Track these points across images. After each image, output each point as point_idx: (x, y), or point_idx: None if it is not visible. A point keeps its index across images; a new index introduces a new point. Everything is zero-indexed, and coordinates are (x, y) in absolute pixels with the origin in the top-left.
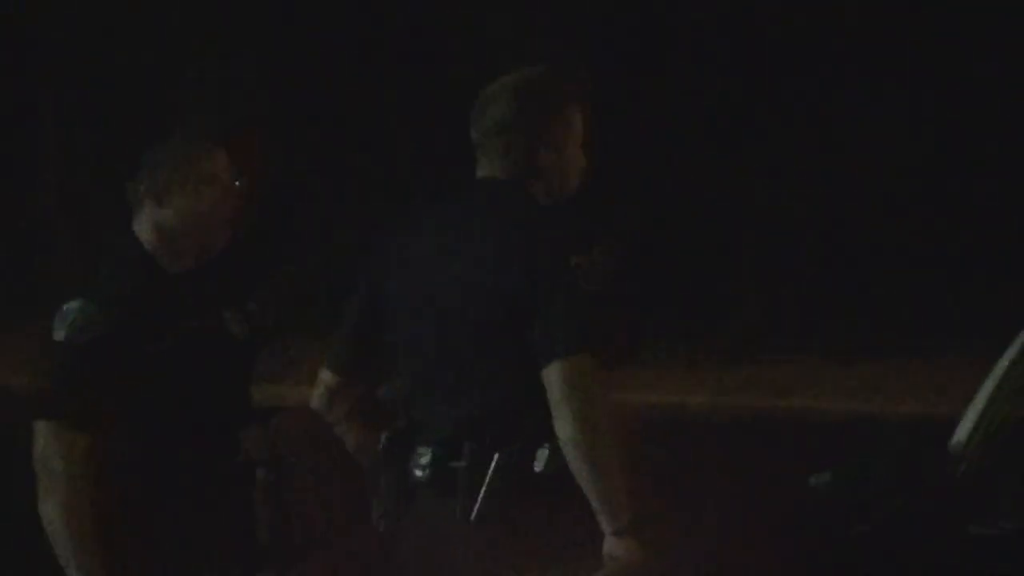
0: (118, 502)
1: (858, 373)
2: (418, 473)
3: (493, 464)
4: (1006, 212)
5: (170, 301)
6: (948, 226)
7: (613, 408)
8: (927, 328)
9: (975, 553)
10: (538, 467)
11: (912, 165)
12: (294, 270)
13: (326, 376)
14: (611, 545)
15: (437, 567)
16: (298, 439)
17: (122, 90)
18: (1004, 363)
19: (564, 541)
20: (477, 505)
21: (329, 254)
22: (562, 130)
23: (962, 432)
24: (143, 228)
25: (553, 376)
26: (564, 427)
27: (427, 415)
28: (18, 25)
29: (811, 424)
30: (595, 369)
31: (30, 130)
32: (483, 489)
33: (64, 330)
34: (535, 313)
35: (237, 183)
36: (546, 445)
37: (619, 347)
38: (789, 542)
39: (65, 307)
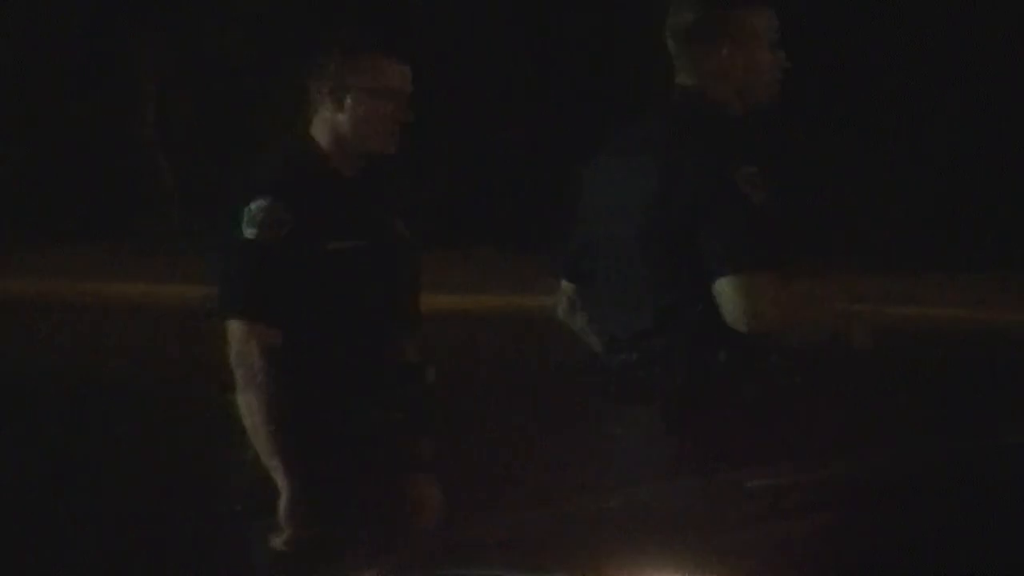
0: (297, 396)
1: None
2: (614, 380)
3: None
4: None
5: (347, 202)
6: None
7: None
8: None
9: None
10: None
11: None
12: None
13: (566, 286)
14: None
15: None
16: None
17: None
18: None
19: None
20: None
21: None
22: (747, 33)
23: None
24: (320, 130)
25: (723, 292)
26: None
27: (616, 322)
28: None
29: None
30: (774, 285)
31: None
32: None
33: (254, 228)
34: (703, 225)
35: (407, 93)
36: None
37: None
38: None
39: (252, 205)
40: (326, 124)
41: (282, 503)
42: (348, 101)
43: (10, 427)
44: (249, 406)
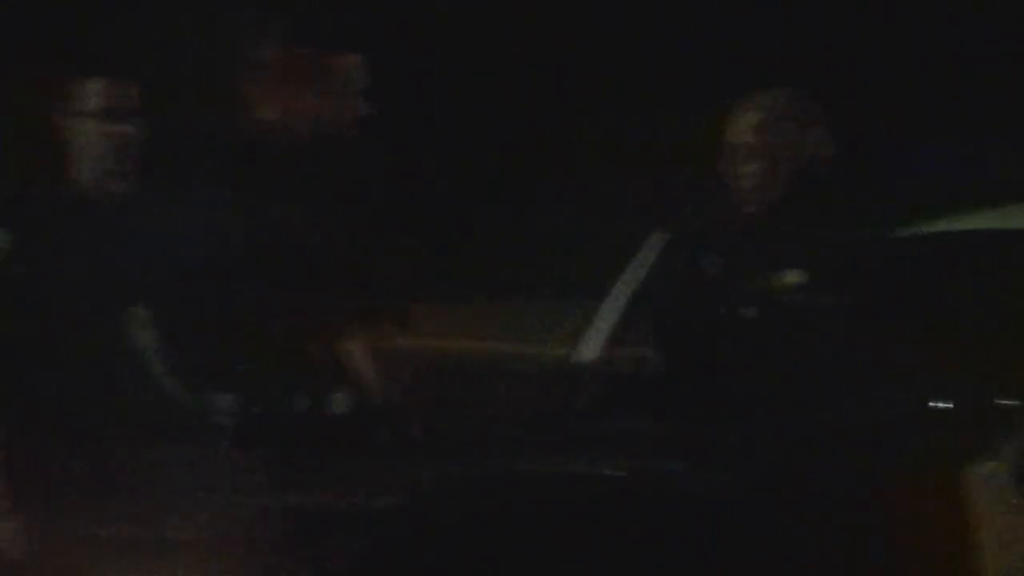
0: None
1: None
2: (218, 419)
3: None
4: None
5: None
6: None
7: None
8: None
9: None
10: (336, 410)
11: None
12: None
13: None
14: None
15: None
16: None
17: None
18: (620, 291)
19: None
20: (284, 449)
21: None
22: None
23: (582, 362)
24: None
25: (350, 349)
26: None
27: (225, 360)
28: None
29: None
30: (389, 338)
31: None
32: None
33: None
34: (323, 272)
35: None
36: (342, 389)
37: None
38: None
39: None
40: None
41: None
42: (70, 129)
43: None
44: None
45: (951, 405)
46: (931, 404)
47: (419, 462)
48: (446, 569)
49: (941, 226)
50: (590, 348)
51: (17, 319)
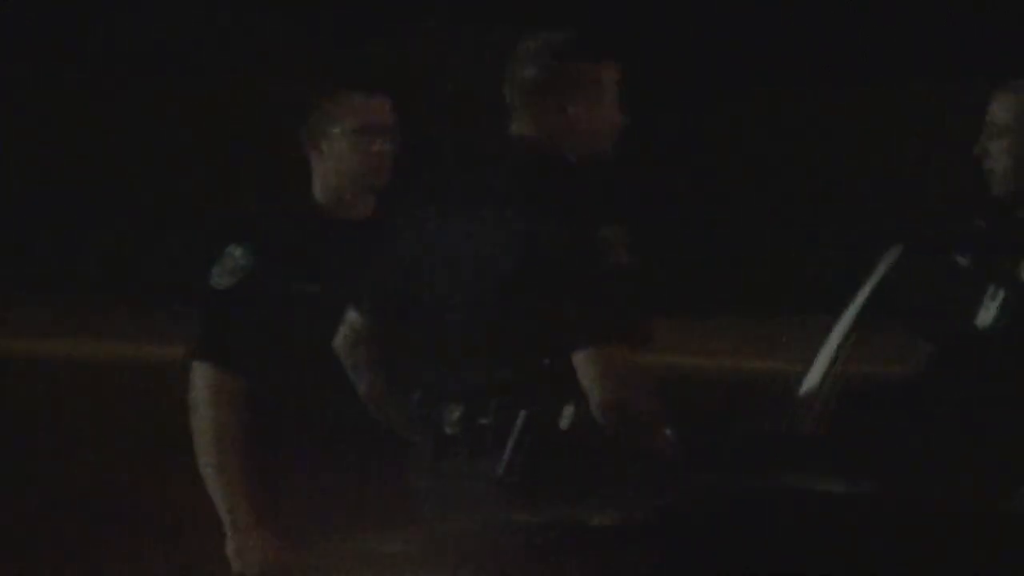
0: (264, 443)
1: None
2: (448, 430)
3: (519, 421)
4: None
5: (337, 245)
6: None
7: (646, 386)
8: None
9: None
10: (564, 424)
11: None
12: None
13: (353, 318)
14: None
15: (463, 521)
16: None
17: None
18: (856, 306)
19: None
20: (503, 461)
21: None
22: (595, 88)
23: (812, 379)
24: (313, 179)
25: (583, 363)
26: (597, 413)
27: (455, 373)
28: None
29: None
30: (627, 355)
31: None
32: (509, 446)
33: (219, 275)
34: (566, 287)
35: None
36: (572, 403)
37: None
38: None
39: (222, 253)
40: (314, 171)
41: (230, 547)
42: (323, 145)
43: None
44: (198, 447)
45: None
46: None
47: (653, 479)
48: None
49: None
50: (821, 364)
51: (261, 336)
